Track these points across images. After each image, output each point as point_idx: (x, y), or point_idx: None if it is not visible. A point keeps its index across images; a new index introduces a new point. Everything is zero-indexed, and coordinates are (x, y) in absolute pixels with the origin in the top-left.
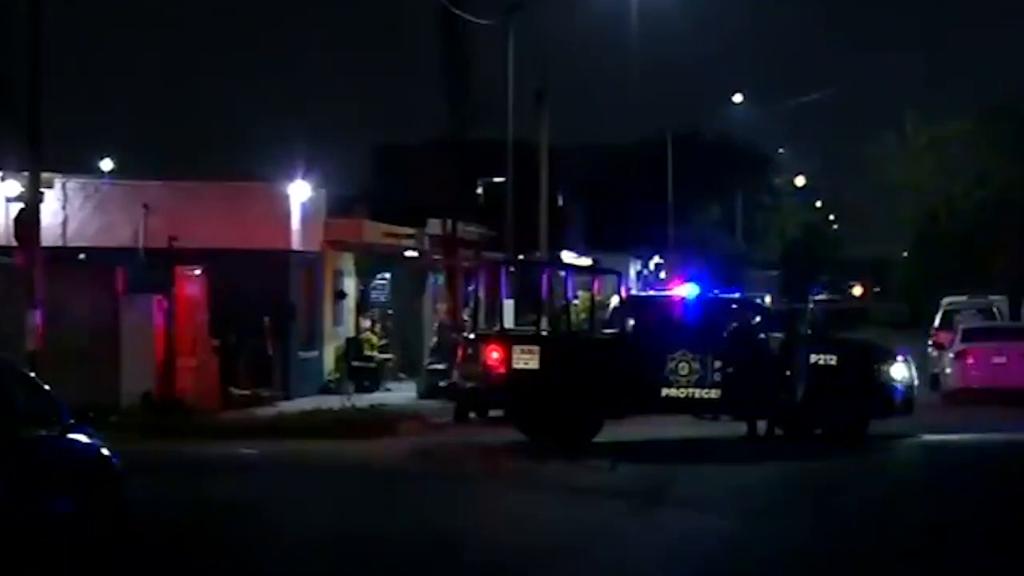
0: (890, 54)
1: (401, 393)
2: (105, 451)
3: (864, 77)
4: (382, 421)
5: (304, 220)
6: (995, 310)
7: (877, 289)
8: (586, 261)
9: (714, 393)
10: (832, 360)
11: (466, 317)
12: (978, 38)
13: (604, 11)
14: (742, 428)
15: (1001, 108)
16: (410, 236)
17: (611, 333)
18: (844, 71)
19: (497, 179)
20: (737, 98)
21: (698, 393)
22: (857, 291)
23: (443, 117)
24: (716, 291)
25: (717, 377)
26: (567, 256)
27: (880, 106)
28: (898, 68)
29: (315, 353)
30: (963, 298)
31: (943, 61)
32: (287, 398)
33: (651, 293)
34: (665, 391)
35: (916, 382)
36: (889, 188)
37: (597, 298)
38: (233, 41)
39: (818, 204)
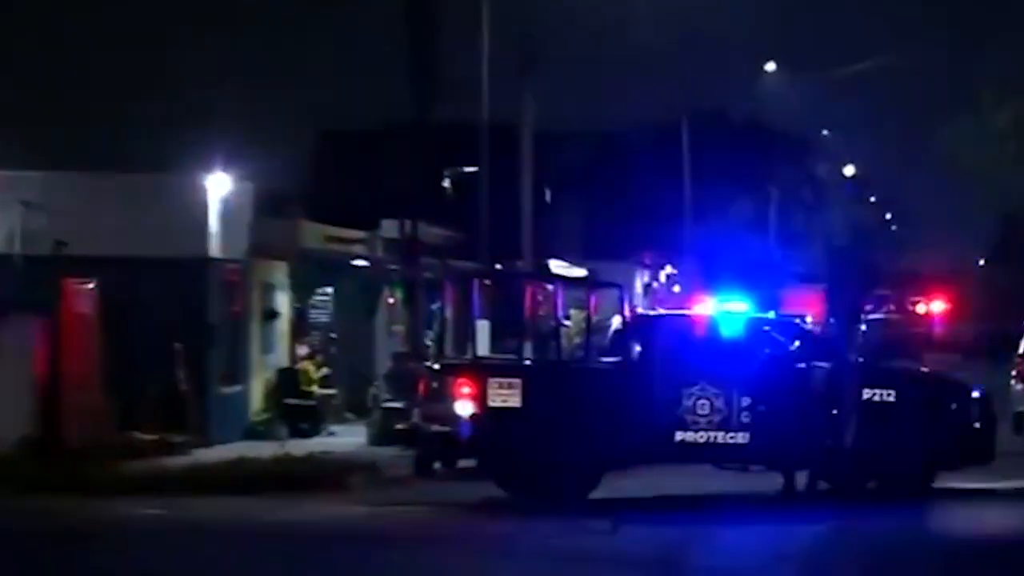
0: (959, 15)
1: (348, 438)
2: None
3: (930, 44)
4: (324, 473)
5: (225, 221)
6: None
7: (947, 306)
8: (580, 272)
9: (741, 437)
10: (890, 395)
11: (429, 342)
12: None
13: None
14: (777, 481)
15: None
16: (360, 241)
17: (611, 362)
18: (906, 36)
19: (468, 169)
20: (770, 67)
21: (721, 437)
22: (921, 309)
23: (403, 96)
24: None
25: (746, 418)
26: (556, 266)
27: (950, 79)
28: (971, 32)
29: (239, 388)
30: None
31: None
32: (205, 444)
33: (663, 312)
34: (680, 435)
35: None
36: (962, 180)
37: (594, 318)
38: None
39: (872, 200)
